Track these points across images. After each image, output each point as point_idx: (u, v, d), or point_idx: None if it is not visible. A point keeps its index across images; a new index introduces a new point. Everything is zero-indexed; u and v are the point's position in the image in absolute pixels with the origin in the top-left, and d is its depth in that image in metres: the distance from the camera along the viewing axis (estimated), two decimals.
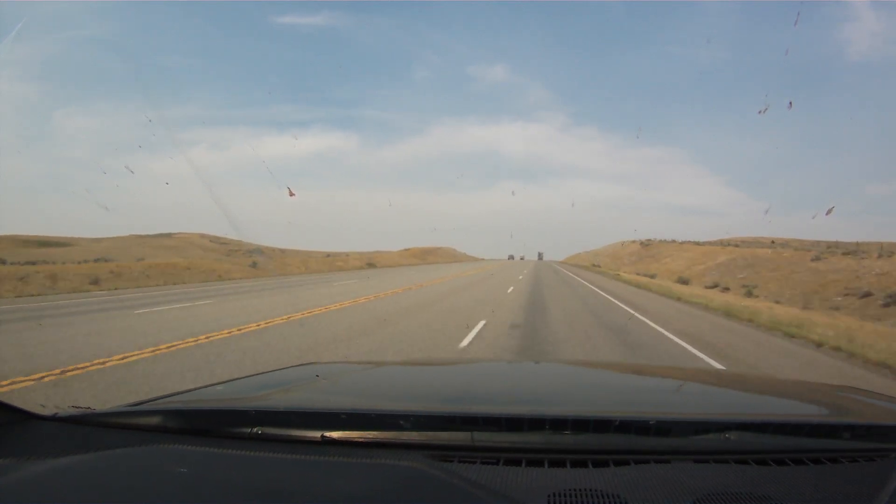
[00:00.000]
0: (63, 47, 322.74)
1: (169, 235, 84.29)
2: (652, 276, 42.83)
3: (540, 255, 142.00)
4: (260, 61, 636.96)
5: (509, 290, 18.29)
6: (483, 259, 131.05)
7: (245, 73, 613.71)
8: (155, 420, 1.11)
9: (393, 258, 66.34)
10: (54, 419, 1.11)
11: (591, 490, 0.82)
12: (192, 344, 6.71)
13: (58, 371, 5.05)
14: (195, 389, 1.55)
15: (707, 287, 30.13)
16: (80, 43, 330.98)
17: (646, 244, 77.98)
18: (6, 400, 1.09)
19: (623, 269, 59.21)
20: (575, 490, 0.82)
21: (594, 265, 76.22)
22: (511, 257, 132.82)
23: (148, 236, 77.87)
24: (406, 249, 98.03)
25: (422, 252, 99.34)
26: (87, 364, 5.38)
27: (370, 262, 51.91)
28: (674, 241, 79.71)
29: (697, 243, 70.40)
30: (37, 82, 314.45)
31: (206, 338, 7.18)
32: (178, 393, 1.41)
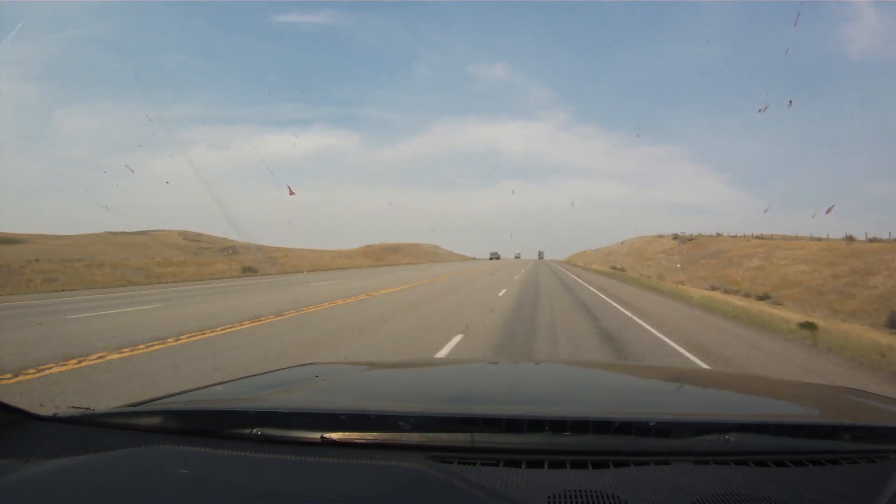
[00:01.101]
0: (63, 47, 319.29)
1: (145, 233, 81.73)
2: (763, 298, 21.09)
3: (540, 255, 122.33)
4: (260, 60, 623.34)
5: None
6: (474, 258, 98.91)
7: (245, 72, 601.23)
8: (155, 421, 1.10)
9: (323, 260, 45.24)
10: (54, 419, 1.10)
11: (590, 491, 0.81)
12: None
13: None
14: (195, 390, 1.52)
15: None
16: (80, 43, 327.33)
17: (686, 240, 56.53)
18: (6, 400, 1.08)
19: (671, 277, 37.15)
20: (575, 491, 0.81)
21: (614, 268, 55.01)
22: (494, 256, 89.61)
23: (124, 233, 75.44)
24: (368, 246, 75.67)
25: (382, 250, 73.14)
26: None
27: (249, 267, 30.78)
28: (718, 235, 58.36)
29: (760, 237, 49.35)
30: (37, 82, 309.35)
31: None
32: (177, 393, 1.39)
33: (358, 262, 50.47)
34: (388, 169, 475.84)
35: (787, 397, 1.63)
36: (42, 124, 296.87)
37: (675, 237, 63.64)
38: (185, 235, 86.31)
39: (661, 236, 73.23)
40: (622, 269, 54.39)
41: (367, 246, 73.56)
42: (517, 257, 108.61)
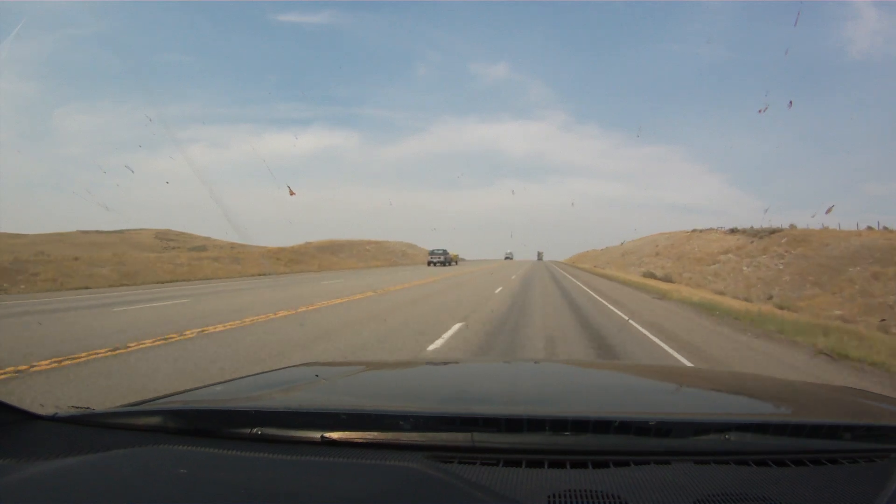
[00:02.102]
0: (63, 46, 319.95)
1: (121, 232, 78.71)
2: None
3: (539, 255, 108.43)
4: (260, 60, 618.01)
5: None
6: (464, 260, 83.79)
7: (245, 71, 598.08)
8: (154, 420, 1.10)
9: (153, 266, 26.10)
10: (54, 419, 1.10)
11: (590, 491, 0.81)
12: None
13: None
14: (195, 389, 1.51)
15: None
16: (80, 41, 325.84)
17: (764, 234, 37.42)
18: (6, 400, 1.07)
19: (806, 301, 17.42)
20: (575, 491, 0.81)
21: (652, 275, 36.13)
22: (437, 259, 48.37)
23: (96, 232, 72.18)
24: (307, 243, 55.73)
25: (317, 250, 50.01)
26: None
27: None
28: (793, 227, 40.01)
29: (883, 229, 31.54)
30: (37, 81, 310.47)
31: None
32: (177, 393, 1.38)
33: (249, 267, 31.68)
34: (389, 168, 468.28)
35: (788, 397, 1.61)
36: (42, 123, 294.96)
37: (734, 231, 44.08)
38: (161, 235, 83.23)
39: (697, 230, 53.60)
40: (668, 279, 34.09)
41: (306, 243, 54.08)
42: (508, 258, 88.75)
